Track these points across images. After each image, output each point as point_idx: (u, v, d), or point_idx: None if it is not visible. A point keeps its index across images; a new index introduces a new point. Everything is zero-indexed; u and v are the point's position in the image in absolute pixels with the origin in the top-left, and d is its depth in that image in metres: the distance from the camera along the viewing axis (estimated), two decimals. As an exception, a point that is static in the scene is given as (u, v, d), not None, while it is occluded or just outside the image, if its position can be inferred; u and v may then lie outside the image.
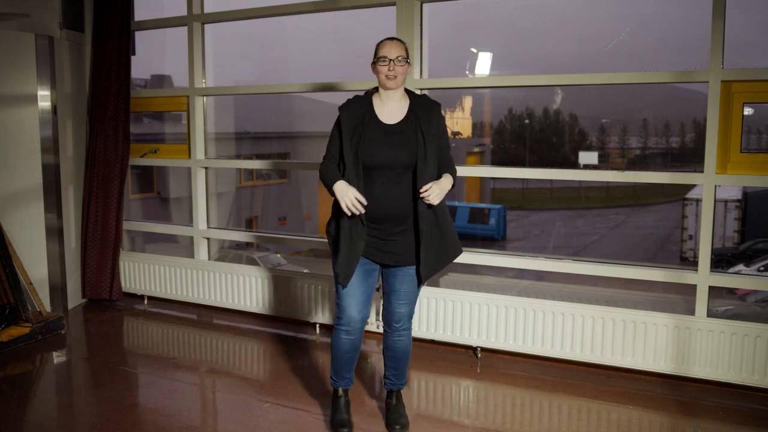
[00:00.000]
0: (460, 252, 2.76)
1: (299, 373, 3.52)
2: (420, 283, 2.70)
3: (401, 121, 2.60)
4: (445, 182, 2.57)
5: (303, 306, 4.24)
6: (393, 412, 2.86)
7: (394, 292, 2.71)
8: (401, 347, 2.80)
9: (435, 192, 2.49)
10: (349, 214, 2.48)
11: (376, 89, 2.67)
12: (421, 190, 2.49)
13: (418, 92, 3.83)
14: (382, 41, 2.61)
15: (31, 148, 4.36)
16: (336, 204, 2.58)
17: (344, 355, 2.76)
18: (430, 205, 2.56)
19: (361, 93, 2.71)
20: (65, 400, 3.32)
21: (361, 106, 2.62)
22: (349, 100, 2.67)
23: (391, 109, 2.62)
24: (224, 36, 5.11)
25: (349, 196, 2.47)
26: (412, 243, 2.63)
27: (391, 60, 2.54)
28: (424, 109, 2.62)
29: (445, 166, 2.66)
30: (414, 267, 2.67)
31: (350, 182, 2.52)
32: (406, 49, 2.61)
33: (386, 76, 2.55)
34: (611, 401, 3.16)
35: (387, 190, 2.56)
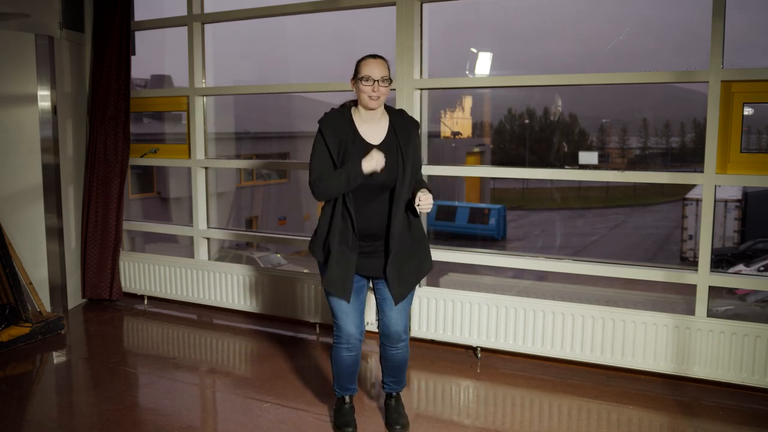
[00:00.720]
0: (429, 269, 2.74)
1: (299, 373, 3.52)
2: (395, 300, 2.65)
3: (383, 140, 2.59)
4: (429, 193, 2.55)
5: (303, 306, 4.24)
6: (393, 413, 2.86)
7: (386, 300, 2.68)
8: (400, 358, 2.79)
9: (429, 200, 2.48)
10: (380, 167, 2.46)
11: (353, 103, 2.63)
12: (417, 200, 2.47)
13: (417, 93, 3.84)
14: (364, 59, 2.55)
15: (31, 148, 4.36)
16: (325, 218, 2.57)
17: (346, 370, 2.78)
18: (409, 222, 2.59)
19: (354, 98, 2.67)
20: (65, 400, 3.32)
21: (342, 123, 2.57)
22: (327, 114, 2.60)
23: (372, 127, 2.60)
24: (224, 36, 5.11)
25: (374, 157, 2.45)
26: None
27: (375, 81, 2.50)
28: (404, 129, 2.60)
29: (419, 183, 2.67)
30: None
31: (348, 201, 2.52)
32: (389, 68, 2.57)
33: (370, 96, 2.51)
34: (611, 401, 3.16)
35: (367, 208, 2.56)
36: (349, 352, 2.73)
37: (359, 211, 2.56)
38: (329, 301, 2.68)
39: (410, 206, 2.58)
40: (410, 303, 2.74)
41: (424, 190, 2.53)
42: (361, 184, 2.49)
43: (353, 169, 2.46)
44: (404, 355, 2.80)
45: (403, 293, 2.63)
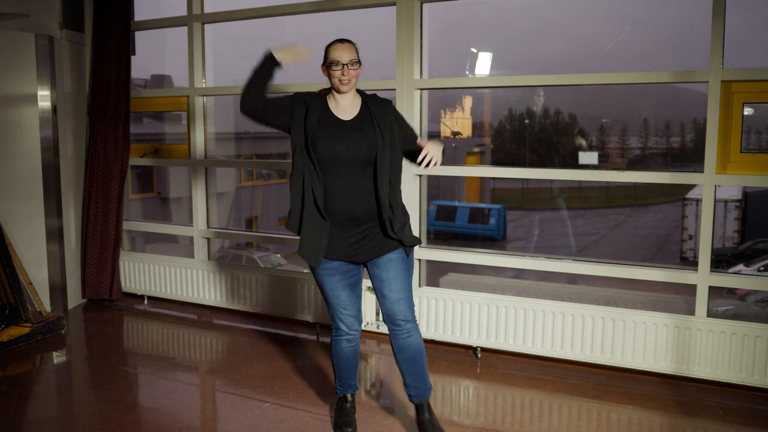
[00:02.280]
0: (418, 241, 2.71)
1: (299, 373, 3.52)
2: (407, 254, 2.63)
3: (356, 116, 2.60)
4: (438, 143, 2.51)
5: (303, 306, 4.24)
6: (430, 429, 2.66)
7: (383, 282, 2.60)
8: (413, 345, 2.61)
9: (432, 152, 2.44)
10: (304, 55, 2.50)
11: (327, 90, 2.66)
12: (422, 156, 2.44)
13: (417, 93, 3.84)
14: (332, 44, 2.57)
15: (31, 148, 4.36)
16: (300, 198, 2.56)
17: (347, 363, 2.76)
18: (391, 204, 2.55)
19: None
20: (65, 400, 3.32)
21: (317, 102, 2.59)
22: (304, 93, 2.63)
23: (345, 106, 2.61)
24: (224, 36, 5.11)
25: (294, 48, 2.53)
26: (380, 233, 2.60)
27: (344, 65, 2.52)
28: (377, 105, 2.61)
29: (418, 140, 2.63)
30: (394, 251, 2.61)
31: (310, 178, 2.51)
32: (357, 51, 2.59)
33: (340, 80, 2.53)
34: (611, 401, 3.16)
35: (350, 188, 2.53)
36: (350, 344, 2.71)
37: (343, 191, 2.53)
38: (324, 293, 2.65)
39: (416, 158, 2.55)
40: (410, 285, 2.65)
41: (433, 141, 2.48)
42: (340, 158, 2.50)
43: (265, 56, 2.58)
44: (418, 341, 2.62)
45: (412, 241, 2.61)
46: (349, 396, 2.85)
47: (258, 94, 2.59)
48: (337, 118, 2.59)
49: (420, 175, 3.91)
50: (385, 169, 2.53)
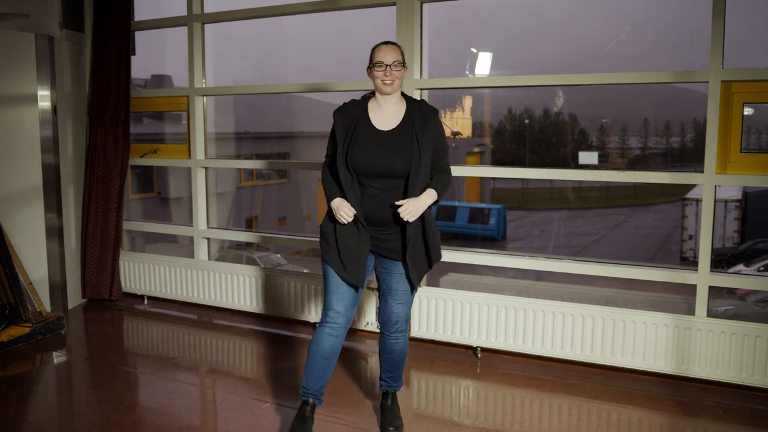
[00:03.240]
0: (439, 259, 2.73)
1: (299, 373, 3.52)
2: (413, 289, 2.69)
3: (396, 127, 2.58)
4: (426, 197, 2.55)
5: (303, 306, 4.24)
6: (388, 414, 2.85)
7: (391, 292, 2.68)
8: (398, 349, 2.78)
9: (410, 208, 2.48)
10: (344, 222, 2.53)
11: (373, 93, 2.65)
12: (397, 205, 2.50)
13: (417, 93, 3.83)
14: (377, 46, 2.59)
15: (31, 148, 4.36)
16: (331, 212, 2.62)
17: (322, 356, 2.60)
18: (423, 220, 2.59)
19: (358, 97, 2.70)
20: (65, 400, 3.31)
21: (354, 111, 2.60)
22: (345, 103, 2.65)
23: (387, 114, 2.60)
24: (224, 36, 5.11)
25: (339, 212, 2.53)
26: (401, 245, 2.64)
27: (387, 65, 2.52)
28: (421, 116, 2.58)
29: (439, 173, 2.65)
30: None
31: (344, 189, 2.54)
32: (402, 53, 2.59)
33: (383, 81, 2.54)
34: (611, 401, 3.16)
35: (381, 197, 2.55)
36: (331, 334, 2.59)
37: (374, 197, 2.55)
38: (325, 276, 2.65)
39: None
40: (412, 296, 2.72)
41: (413, 198, 2.51)
42: (370, 172, 2.53)
43: (328, 197, 2.62)
44: (402, 348, 2.79)
45: (418, 278, 2.65)
46: (312, 401, 2.64)
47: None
48: (374, 127, 2.57)
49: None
50: (417, 186, 2.53)
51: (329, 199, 2.61)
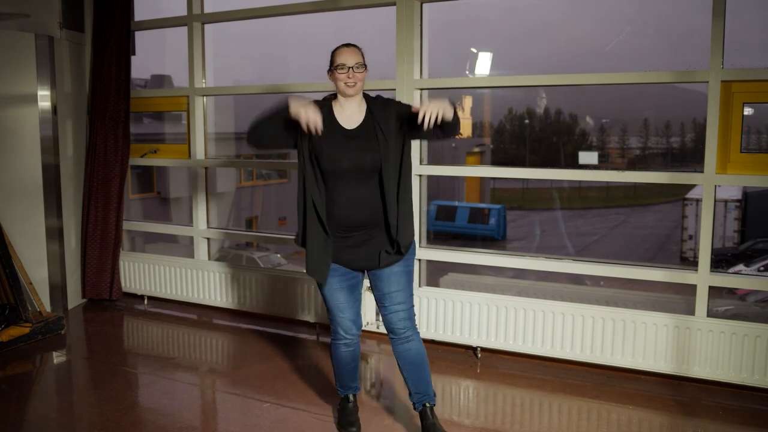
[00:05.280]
0: (410, 242, 2.64)
1: (299, 373, 3.52)
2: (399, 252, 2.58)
3: (360, 124, 2.57)
4: (436, 99, 2.40)
5: (303, 306, 4.24)
6: None
7: (385, 296, 2.62)
8: (414, 352, 2.62)
9: (431, 108, 2.30)
10: (306, 129, 2.39)
11: (334, 96, 2.63)
12: (420, 118, 2.32)
13: (417, 93, 3.84)
14: (338, 48, 2.56)
15: (31, 148, 4.36)
16: (303, 210, 2.55)
17: (346, 367, 2.76)
18: (398, 202, 2.51)
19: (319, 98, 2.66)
20: (65, 400, 3.32)
21: (322, 111, 2.53)
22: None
23: (350, 113, 2.58)
24: (224, 36, 5.11)
25: (302, 111, 2.37)
26: (386, 242, 2.58)
27: (350, 68, 2.51)
28: (380, 110, 2.58)
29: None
30: (396, 263, 2.60)
31: (314, 192, 2.50)
32: (363, 55, 2.58)
33: (346, 83, 2.52)
34: (611, 401, 3.16)
35: (355, 197, 2.52)
36: (347, 348, 2.71)
37: (350, 199, 2.52)
38: (324, 297, 2.66)
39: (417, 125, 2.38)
40: (411, 296, 2.66)
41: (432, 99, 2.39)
42: (345, 170, 2.49)
43: (278, 104, 2.46)
44: (417, 346, 2.63)
45: (403, 244, 2.56)
46: (351, 396, 2.85)
47: (266, 130, 2.53)
48: (341, 127, 2.56)
49: (420, 175, 3.91)
50: (391, 178, 2.51)
51: (283, 105, 2.42)
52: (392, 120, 2.55)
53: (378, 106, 2.60)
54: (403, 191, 2.56)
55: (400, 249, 2.57)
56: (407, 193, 2.59)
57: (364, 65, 2.56)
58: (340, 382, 2.83)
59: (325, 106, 2.59)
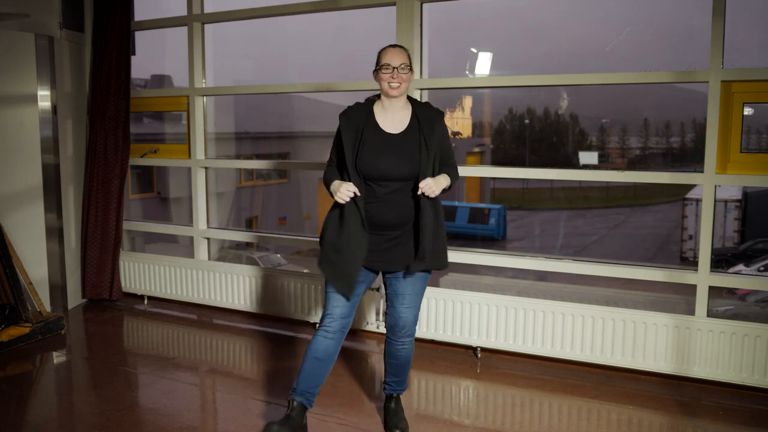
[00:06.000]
0: (445, 265, 2.69)
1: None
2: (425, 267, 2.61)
3: (404, 130, 2.57)
4: (442, 179, 2.54)
5: (303, 306, 4.24)
6: (392, 416, 2.83)
7: (399, 296, 2.64)
8: (404, 355, 2.74)
9: (430, 184, 2.46)
10: (344, 201, 2.48)
11: (378, 96, 2.64)
12: (419, 185, 2.46)
13: (417, 93, 3.84)
14: (384, 49, 2.58)
15: (31, 148, 4.36)
16: (334, 209, 2.58)
17: (311, 357, 2.61)
18: (431, 205, 2.54)
19: (360, 98, 2.69)
20: (65, 400, 3.32)
21: (360, 114, 2.58)
22: (349, 107, 2.63)
23: (393, 117, 2.58)
24: (224, 36, 5.11)
25: (341, 189, 2.48)
26: (412, 249, 2.59)
27: (394, 68, 2.51)
28: (428, 119, 2.58)
29: (447, 169, 2.63)
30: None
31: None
32: (409, 56, 2.58)
33: (389, 84, 2.53)
34: (611, 401, 3.16)
35: (388, 199, 2.53)
36: (326, 336, 2.59)
37: (382, 201, 2.53)
38: (325, 283, 2.65)
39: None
40: (420, 301, 2.69)
41: (431, 178, 2.49)
42: (380, 175, 2.51)
43: (330, 186, 2.59)
44: (408, 353, 2.75)
45: (433, 262, 2.59)
46: (294, 404, 2.62)
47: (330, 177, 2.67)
48: (382, 130, 2.56)
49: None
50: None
51: (329, 186, 2.59)
52: (435, 135, 2.56)
53: (426, 115, 2.59)
54: (436, 202, 2.59)
55: (426, 258, 2.57)
56: (439, 204, 2.62)
57: (410, 67, 2.56)
58: (298, 379, 2.63)
59: (366, 108, 2.60)
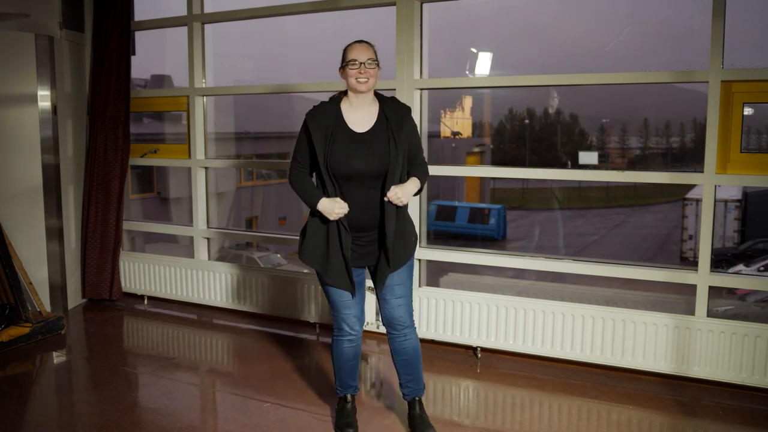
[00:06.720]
0: (412, 254, 2.70)
1: (299, 373, 3.52)
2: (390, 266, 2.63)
3: (372, 128, 2.56)
4: (410, 185, 2.56)
5: (302, 306, 4.24)
6: (420, 424, 2.73)
7: (386, 289, 2.65)
8: (410, 348, 2.71)
9: (398, 193, 2.48)
10: (337, 218, 2.51)
11: (344, 93, 2.61)
12: (387, 196, 2.49)
13: (417, 93, 3.84)
14: (350, 45, 2.56)
15: (31, 148, 4.36)
16: (313, 220, 2.59)
17: (347, 364, 2.75)
18: (397, 207, 2.55)
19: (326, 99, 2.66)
20: (65, 400, 3.32)
21: (329, 114, 2.55)
22: (315, 107, 2.59)
23: (360, 115, 2.57)
24: (224, 36, 5.11)
25: (335, 210, 2.49)
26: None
27: (361, 63, 2.49)
28: (396, 115, 2.57)
29: (416, 168, 2.64)
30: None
31: (329, 195, 2.52)
32: (375, 52, 2.57)
33: (357, 79, 2.50)
34: (611, 401, 3.16)
35: (359, 198, 2.53)
36: (351, 344, 2.72)
37: (353, 200, 2.53)
38: (328, 294, 2.66)
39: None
40: (411, 290, 2.70)
41: (399, 185, 2.51)
42: (351, 174, 2.50)
43: (311, 201, 2.55)
44: (414, 345, 2.72)
45: (396, 264, 2.60)
46: (349, 396, 2.84)
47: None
48: (350, 130, 2.54)
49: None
50: (394, 183, 2.53)
51: (313, 203, 2.53)
52: (404, 131, 2.56)
53: (393, 111, 2.58)
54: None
55: (390, 263, 2.59)
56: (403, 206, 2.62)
57: (377, 62, 2.54)
58: (340, 380, 2.81)
59: (333, 107, 2.58)
